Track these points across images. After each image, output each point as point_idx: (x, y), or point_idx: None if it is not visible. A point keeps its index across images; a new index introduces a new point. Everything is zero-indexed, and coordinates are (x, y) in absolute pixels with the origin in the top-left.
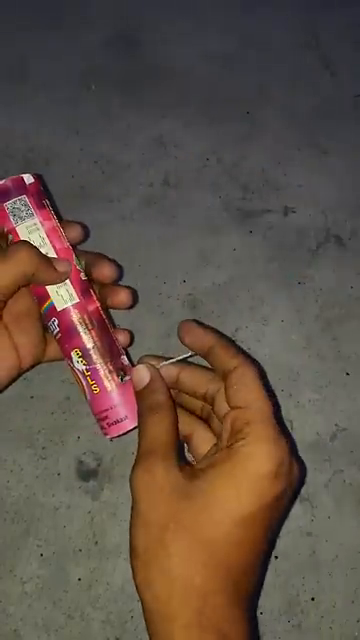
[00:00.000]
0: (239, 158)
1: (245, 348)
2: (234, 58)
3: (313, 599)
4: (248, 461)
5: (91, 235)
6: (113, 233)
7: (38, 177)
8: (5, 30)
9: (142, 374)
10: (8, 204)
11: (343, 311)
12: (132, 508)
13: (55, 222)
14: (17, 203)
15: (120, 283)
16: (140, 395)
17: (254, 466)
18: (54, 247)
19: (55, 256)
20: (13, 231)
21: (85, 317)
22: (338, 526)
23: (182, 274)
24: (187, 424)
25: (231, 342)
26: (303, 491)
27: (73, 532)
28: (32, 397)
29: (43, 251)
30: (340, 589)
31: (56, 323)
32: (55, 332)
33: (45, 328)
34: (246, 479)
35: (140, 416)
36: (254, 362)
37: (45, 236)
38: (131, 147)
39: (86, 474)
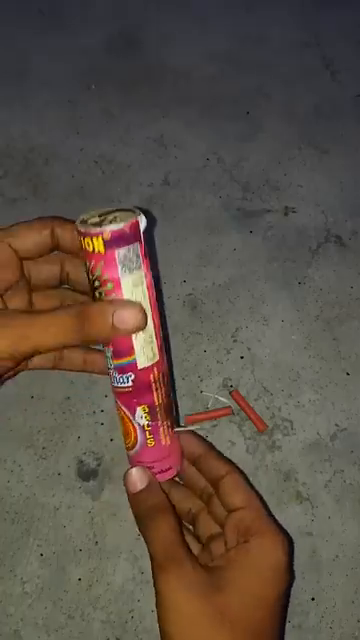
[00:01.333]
0: (239, 158)
1: (245, 348)
2: (234, 58)
3: (313, 599)
4: (265, 552)
5: None
6: None
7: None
8: (5, 30)
9: (135, 478)
10: (121, 252)
11: (343, 311)
12: (164, 609)
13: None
14: (130, 252)
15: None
16: (135, 499)
17: (271, 556)
18: (150, 302)
19: (150, 312)
20: (115, 281)
21: (160, 375)
22: (338, 526)
23: (182, 274)
24: (193, 504)
25: (218, 452)
26: (303, 491)
27: (73, 532)
28: (32, 397)
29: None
30: (340, 589)
31: (131, 379)
32: (123, 385)
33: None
34: (267, 568)
35: (141, 523)
36: (238, 468)
37: (146, 289)
38: (131, 147)
39: (86, 474)
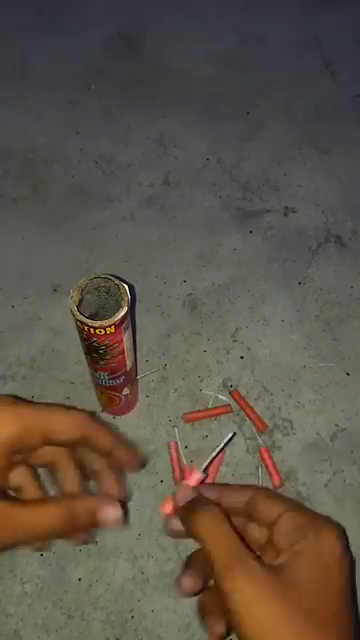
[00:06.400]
0: (239, 158)
1: (245, 348)
2: (234, 58)
3: None
4: (325, 542)
5: (91, 235)
6: (113, 233)
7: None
8: (6, 30)
9: (184, 492)
10: (124, 326)
11: (343, 311)
12: (243, 617)
13: None
14: (127, 319)
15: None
16: (189, 506)
17: (331, 545)
18: (131, 334)
19: (130, 337)
20: (119, 341)
21: (135, 364)
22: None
23: (182, 274)
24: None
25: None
26: (303, 491)
27: None
28: (32, 397)
29: None
30: None
31: (122, 378)
32: (116, 383)
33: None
34: (330, 556)
35: (197, 523)
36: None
37: (130, 329)
38: (131, 147)
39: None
